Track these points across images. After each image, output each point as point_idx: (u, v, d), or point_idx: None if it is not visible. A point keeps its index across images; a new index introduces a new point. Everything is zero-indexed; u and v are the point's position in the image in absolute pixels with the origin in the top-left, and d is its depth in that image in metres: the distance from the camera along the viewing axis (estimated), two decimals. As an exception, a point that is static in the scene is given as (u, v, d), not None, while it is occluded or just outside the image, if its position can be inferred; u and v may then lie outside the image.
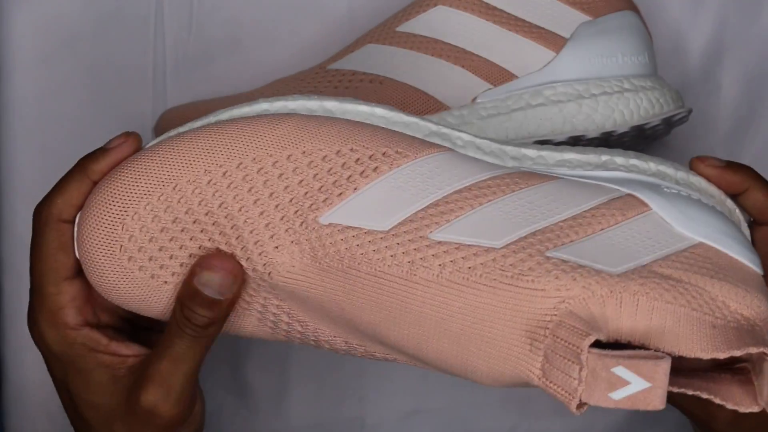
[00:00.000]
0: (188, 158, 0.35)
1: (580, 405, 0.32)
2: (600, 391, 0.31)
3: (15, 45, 0.53)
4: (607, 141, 0.47)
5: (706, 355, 0.32)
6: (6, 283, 0.53)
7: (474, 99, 0.47)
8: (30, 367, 0.53)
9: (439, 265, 0.34)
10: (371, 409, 0.54)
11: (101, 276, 0.36)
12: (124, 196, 0.35)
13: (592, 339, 0.31)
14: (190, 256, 0.36)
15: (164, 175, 0.35)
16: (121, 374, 0.37)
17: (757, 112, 0.56)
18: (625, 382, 0.31)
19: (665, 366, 0.31)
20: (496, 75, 0.47)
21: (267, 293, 0.36)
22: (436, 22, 0.48)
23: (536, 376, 0.32)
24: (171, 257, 0.36)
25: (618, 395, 0.31)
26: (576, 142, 0.47)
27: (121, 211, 0.35)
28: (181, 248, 0.36)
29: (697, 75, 0.56)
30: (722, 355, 0.31)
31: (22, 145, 0.53)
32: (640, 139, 0.50)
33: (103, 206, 0.35)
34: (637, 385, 0.31)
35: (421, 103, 0.47)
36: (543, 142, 0.47)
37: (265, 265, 0.35)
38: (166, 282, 0.36)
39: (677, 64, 0.56)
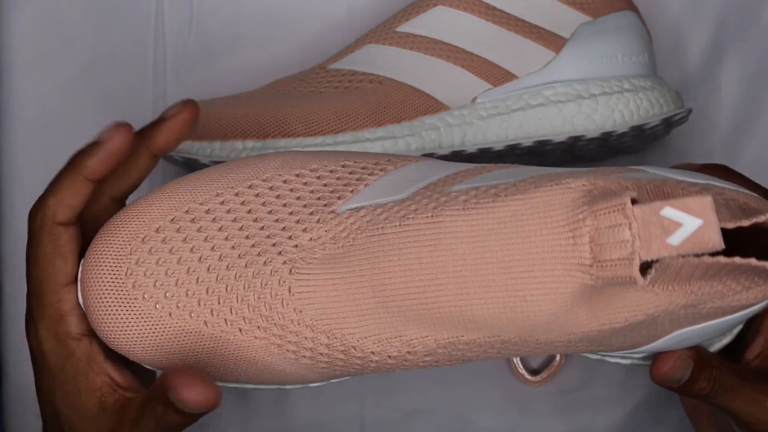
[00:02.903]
0: (198, 186, 0.35)
1: (644, 270, 0.30)
2: (657, 240, 0.29)
3: (15, 45, 0.53)
4: (606, 141, 0.47)
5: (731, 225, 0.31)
6: (6, 283, 0.53)
7: (474, 99, 0.47)
8: (30, 367, 0.53)
9: (463, 200, 0.33)
10: (371, 409, 0.54)
11: (103, 306, 0.34)
12: (134, 222, 0.34)
13: (631, 193, 0.30)
14: (197, 280, 0.34)
15: (176, 200, 0.35)
16: (106, 406, 0.35)
17: (757, 112, 0.56)
18: (678, 224, 0.29)
19: (709, 199, 0.29)
20: (496, 75, 0.47)
21: (297, 326, 0.34)
22: (436, 22, 0.48)
23: (588, 265, 0.30)
24: (176, 282, 0.34)
25: (675, 240, 0.29)
26: (576, 142, 0.47)
27: (130, 235, 0.34)
28: (188, 271, 0.34)
29: (697, 75, 0.56)
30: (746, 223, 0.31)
31: (22, 145, 0.53)
32: (639, 140, 0.50)
33: (110, 235, 0.34)
34: (691, 225, 0.29)
35: (421, 103, 0.47)
36: (543, 143, 0.47)
37: (285, 262, 0.34)
38: (170, 314, 0.34)
39: (677, 64, 0.56)
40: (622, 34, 0.48)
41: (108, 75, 0.54)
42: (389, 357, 0.34)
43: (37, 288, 0.35)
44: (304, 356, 0.35)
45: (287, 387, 0.38)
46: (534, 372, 0.55)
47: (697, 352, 0.37)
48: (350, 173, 0.35)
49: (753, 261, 0.30)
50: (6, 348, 0.53)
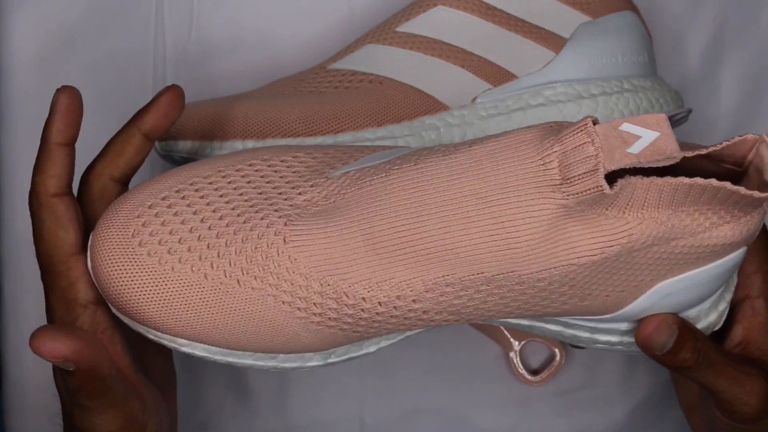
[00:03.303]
0: (206, 164, 0.38)
1: (609, 181, 0.32)
2: (618, 150, 0.32)
3: (15, 45, 0.53)
4: (606, 141, 0.47)
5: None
6: (6, 283, 0.53)
7: (474, 99, 0.47)
8: (30, 367, 0.53)
9: (443, 150, 0.35)
10: (371, 408, 0.54)
11: (110, 263, 0.36)
12: (142, 193, 0.37)
13: (592, 117, 0.32)
14: (199, 237, 0.36)
15: (182, 176, 0.37)
16: None
17: (757, 112, 0.56)
18: (636, 137, 0.32)
19: (664, 115, 0.32)
20: (496, 75, 0.47)
21: (291, 274, 0.35)
22: (436, 22, 0.48)
23: (557, 185, 0.33)
24: (180, 240, 0.36)
25: (636, 148, 0.32)
26: (576, 142, 0.47)
27: (138, 202, 0.37)
28: (191, 230, 0.36)
29: (697, 75, 0.56)
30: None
31: (22, 145, 0.53)
32: (640, 139, 0.50)
33: (120, 203, 0.37)
34: (649, 136, 0.32)
35: (421, 103, 0.47)
36: (543, 142, 0.47)
37: (281, 217, 0.36)
38: (173, 268, 0.36)
39: (677, 64, 0.56)
40: (622, 34, 0.48)
41: (108, 75, 0.54)
42: (379, 304, 0.35)
43: (46, 262, 0.38)
44: (299, 308, 0.36)
45: (285, 366, 0.39)
46: (534, 372, 0.55)
47: (682, 321, 0.38)
48: (343, 153, 0.38)
49: (713, 182, 0.32)
50: (6, 348, 0.53)
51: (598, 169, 0.31)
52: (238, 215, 0.36)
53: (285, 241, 0.35)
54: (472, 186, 0.34)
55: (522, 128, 0.35)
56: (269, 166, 0.38)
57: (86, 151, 0.53)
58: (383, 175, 0.35)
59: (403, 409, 0.55)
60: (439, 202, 0.34)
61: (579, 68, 0.47)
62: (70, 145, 0.38)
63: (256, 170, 0.38)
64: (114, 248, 0.36)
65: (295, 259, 0.35)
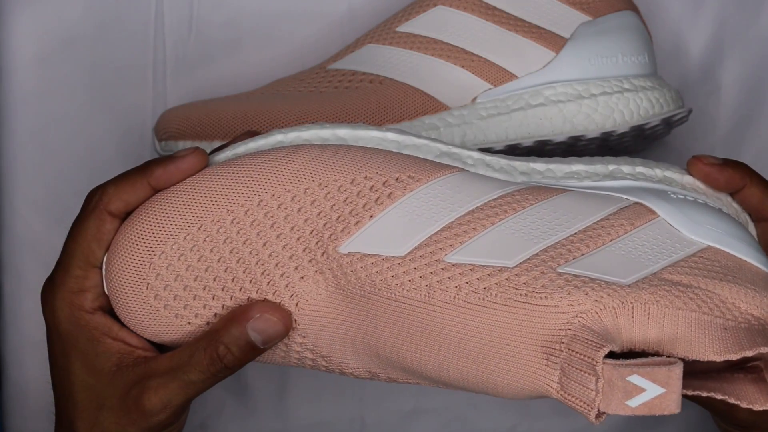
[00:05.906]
0: (212, 198, 0.36)
1: (599, 415, 0.32)
2: (617, 400, 0.31)
3: (15, 45, 0.53)
4: (606, 141, 0.47)
5: (719, 358, 0.32)
6: (6, 283, 0.53)
7: (474, 99, 0.47)
8: (30, 367, 0.53)
9: (456, 287, 0.35)
10: (371, 409, 0.54)
11: (129, 312, 0.37)
12: (151, 235, 0.36)
13: (606, 350, 0.32)
14: (214, 297, 0.37)
15: (190, 215, 0.36)
16: (126, 364, 0.37)
17: (757, 112, 0.56)
18: (641, 389, 0.31)
19: (678, 371, 0.31)
20: (496, 75, 0.47)
21: (290, 331, 0.37)
22: (436, 22, 0.48)
23: (554, 389, 0.33)
24: (195, 297, 0.37)
25: (635, 402, 0.31)
26: (576, 142, 0.47)
27: (148, 250, 0.36)
28: (205, 288, 0.37)
29: (697, 75, 0.56)
30: (734, 357, 0.32)
31: (22, 145, 0.53)
32: (640, 139, 0.50)
33: (131, 245, 0.36)
34: (653, 392, 0.31)
35: (421, 103, 0.47)
36: (543, 142, 0.47)
37: (292, 296, 0.37)
38: (189, 323, 0.37)
39: (677, 64, 0.56)
40: (622, 34, 0.48)
41: (108, 75, 0.54)
42: (378, 379, 0.39)
43: (67, 260, 0.38)
44: (305, 365, 0.39)
45: None
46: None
47: None
48: (358, 195, 0.36)
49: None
50: (6, 348, 0.53)
51: (591, 409, 0.32)
52: (245, 272, 0.37)
53: (296, 322, 0.37)
54: (475, 352, 0.35)
55: (543, 300, 0.34)
56: (278, 206, 0.36)
57: (86, 151, 0.54)
58: (393, 294, 0.35)
59: (403, 409, 0.55)
60: (442, 349, 0.35)
61: (579, 68, 0.47)
62: (158, 191, 0.37)
63: (265, 213, 0.36)
64: (132, 302, 0.37)
65: (304, 337, 0.37)
